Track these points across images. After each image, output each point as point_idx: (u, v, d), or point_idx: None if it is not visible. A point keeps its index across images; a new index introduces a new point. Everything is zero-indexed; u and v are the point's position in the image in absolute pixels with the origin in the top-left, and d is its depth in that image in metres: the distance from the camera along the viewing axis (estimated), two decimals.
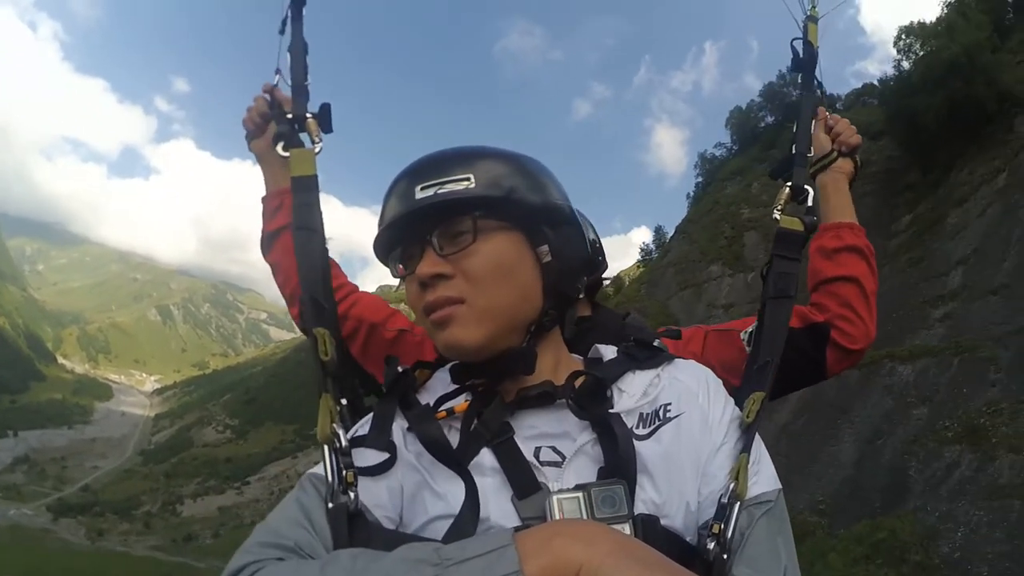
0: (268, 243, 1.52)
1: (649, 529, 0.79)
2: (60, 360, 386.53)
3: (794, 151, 1.36)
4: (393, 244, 0.97)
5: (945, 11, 28.33)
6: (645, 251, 66.65)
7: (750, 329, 1.31)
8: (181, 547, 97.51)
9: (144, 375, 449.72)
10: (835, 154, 1.50)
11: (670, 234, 55.01)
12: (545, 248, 0.92)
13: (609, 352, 1.04)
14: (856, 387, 17.05)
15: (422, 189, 0.88)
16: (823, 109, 1.55)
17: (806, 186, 1.33)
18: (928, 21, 28.26)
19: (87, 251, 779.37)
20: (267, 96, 1.43)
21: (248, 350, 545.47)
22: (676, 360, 1.02)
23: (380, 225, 0.96)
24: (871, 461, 15.05)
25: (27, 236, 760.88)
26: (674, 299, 38.89)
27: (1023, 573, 9.98)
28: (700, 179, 60.71)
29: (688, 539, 0.85)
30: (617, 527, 0.76)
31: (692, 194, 60.40)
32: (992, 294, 16.88)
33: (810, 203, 1.32)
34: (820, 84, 1.48)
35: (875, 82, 32.90)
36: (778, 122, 52.83)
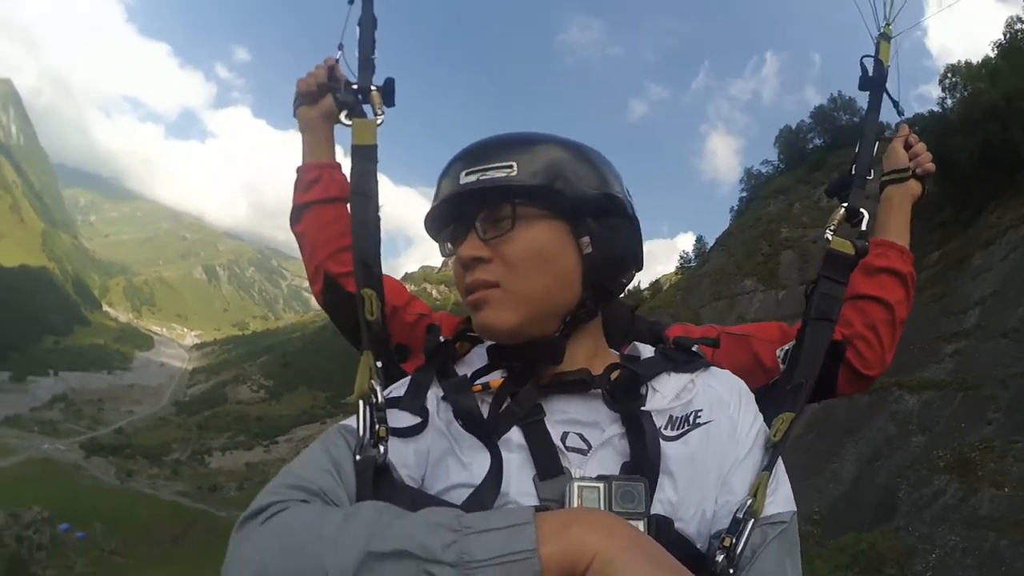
0: (298, 214, 1.49)
1: (662, 530, 0.79)
2: (105, 308, 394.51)
3: (853, 172, 1.33)
4: (443, 223, 0.99)
5: (994, 51, 28.23)
6: (685, 259, 66.64)
7: (787, 347, 1.27)
8: (206, 496, 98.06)
9: (185, 330, 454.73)
10: (910, 172, 1.46)
11: (710, 244, 55.16)
12: (587, 239, 0.91)
13: (647, 351, 1.03)
14: (865, 410, 17.38)
15: (467, 174, 0.90)
16: (906, 127, 1.52)
17: (862, 209, 1.29)
18: (975, 61, 28.25)
19: (139, 207, 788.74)
20: (329, 67, 1.42)
21: (288, 315, 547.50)
22: (712, 368, 1.01)
23: (432, 203, 0.97)
24: (867, 480, 15.42)
25: (82, 187, 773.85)
26: (706, 308, 38.75)
27: None
28: (744, 193, 60.03)
29: (699, 546, 0.85)
30: (632, 523, 0.73)
31: (735, 207, 59.39)
32: (1003, 336, 16.82)
33: (863, 227, 1.27)
34: (897, 103, 1.49)
35: (925, 112, 32.68)
36: (825, 145, 52.00)
